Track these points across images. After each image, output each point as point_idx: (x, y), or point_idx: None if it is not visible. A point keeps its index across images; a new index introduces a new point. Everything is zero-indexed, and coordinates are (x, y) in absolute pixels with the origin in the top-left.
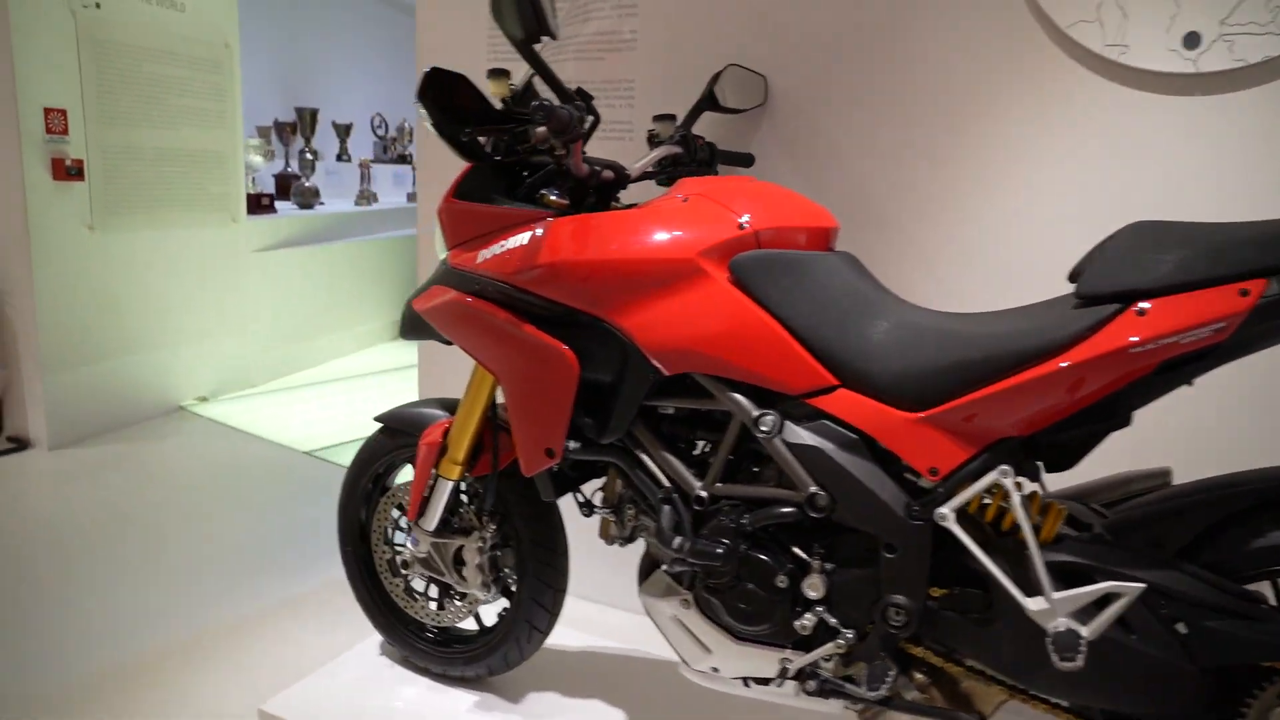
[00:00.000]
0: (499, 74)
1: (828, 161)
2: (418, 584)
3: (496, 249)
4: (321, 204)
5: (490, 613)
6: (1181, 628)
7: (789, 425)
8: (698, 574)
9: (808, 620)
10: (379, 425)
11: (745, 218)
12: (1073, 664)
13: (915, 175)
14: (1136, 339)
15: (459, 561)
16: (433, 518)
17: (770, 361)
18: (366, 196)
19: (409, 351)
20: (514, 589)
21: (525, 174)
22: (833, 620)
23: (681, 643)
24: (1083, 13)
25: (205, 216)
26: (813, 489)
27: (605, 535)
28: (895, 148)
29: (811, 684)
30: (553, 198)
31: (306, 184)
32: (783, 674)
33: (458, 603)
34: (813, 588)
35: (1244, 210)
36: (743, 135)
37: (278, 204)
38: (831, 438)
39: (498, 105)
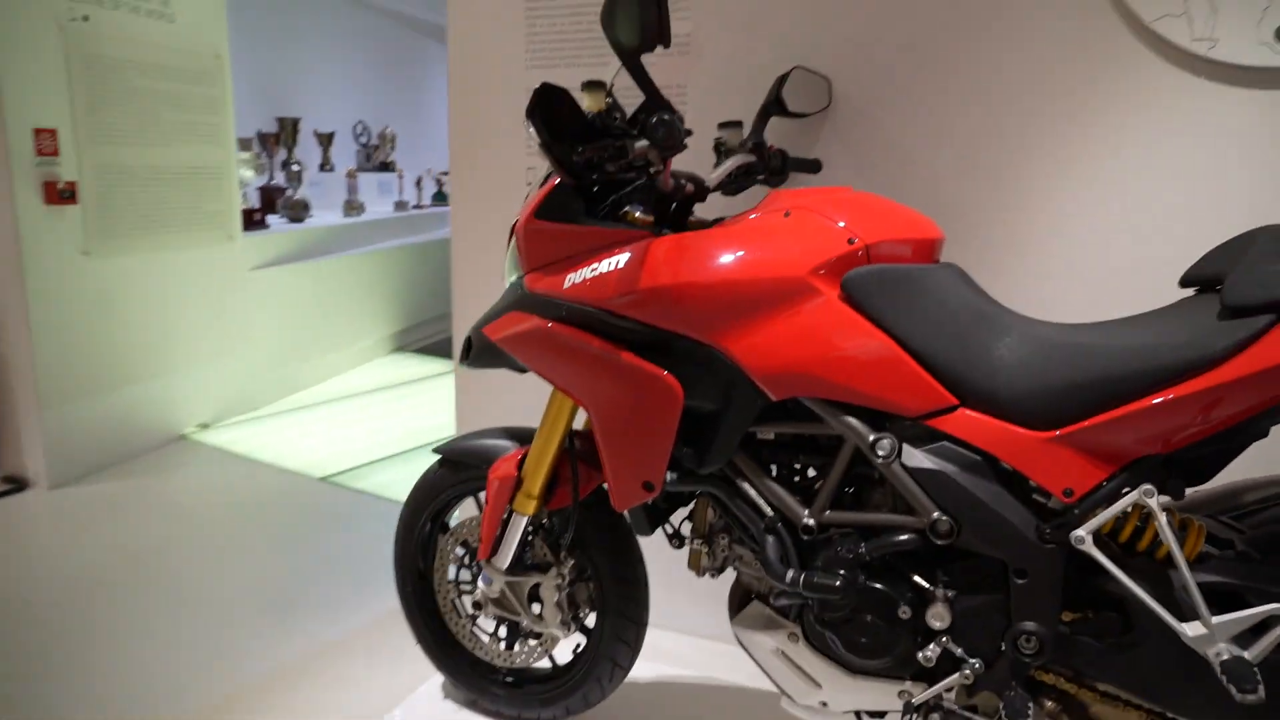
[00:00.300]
0: (596, 86)
1: (898, 167)
2: (487, 624)
3: (588, 272)
4: (311, 216)
5: (564, 650)
6: None
7: (906, 448)
8: (808, 606)
9: (931, 651)
10: (437, 458)
11: (854, 232)
12: (1254, 696)
13: (993, 180)
14: None
15: (534, 599)
16: (506, 555)
17: (886, 382)
18: (355, 207)
19: (409, 367)
20: (590, 625)
21: (596, 190)
22: (958, 650)
23: (785, 677)
24: (1169, 6)
25: (202, 235)
26: (935, 514)
27: (695, 566)
28: (969, 151)
29: (935, 716)
30: (638, 214)
31: (295, 196)
32: (907, 707)
33: (531, 642)
34: (937, 617)
35: None
36: (801, 140)
37: (267, 218)
38: (954, 460)
39: (588, 119)
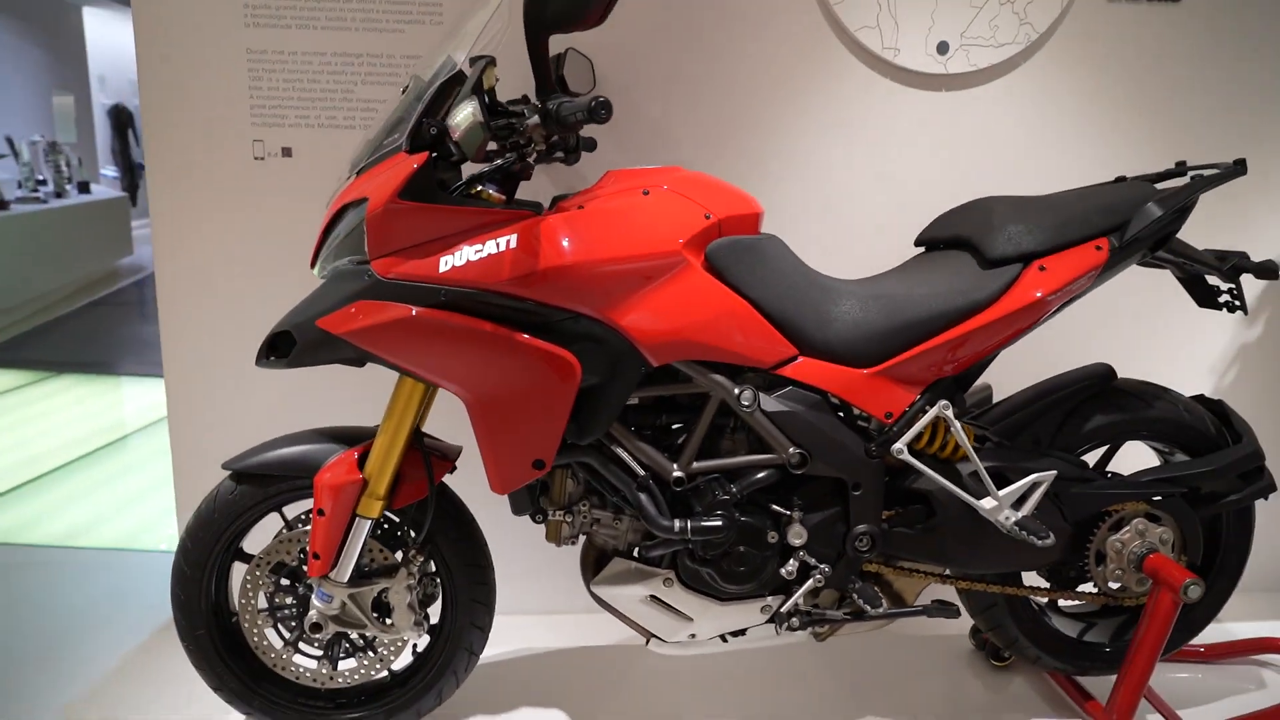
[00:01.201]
0: (491, 63)
1: (661, 147)
2: (309, 649)
3: (471, 254)
4: None
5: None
6: (1052, 498)
7: (762, 396)
8: (684, 550)
9: (792, 565)
10: (227, 476)
11: (708, 208)
12: (1047, 540)
13: (734, 160)
14: (1042, 292)
15: (379, 607)
16: (348, 565)
17: (747, 340)
18: None
19: None
20: (437, 619)
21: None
22: (812, 560)
23: (654, 620)
24: (866, 20)
25: None
26: (791, 449)
27: (555, 538)
28: (715, 134)
29: (794, 620)
30: (492, 193)
31: None
32: (771, 619)
33: (372, 654)
34: (797, 536)
35: (984, 183)
36: None
37: None
38: (801, 401)
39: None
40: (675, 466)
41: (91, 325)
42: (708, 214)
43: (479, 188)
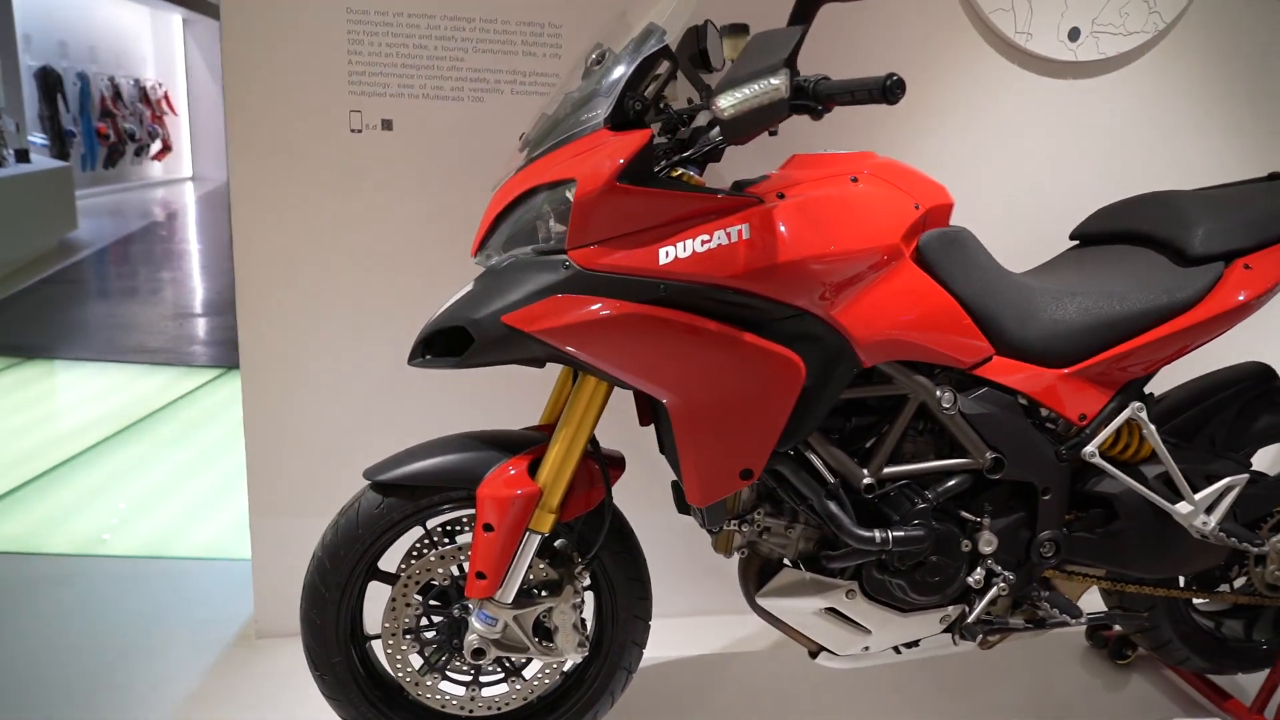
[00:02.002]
0: (740, 30)
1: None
2: (458, 675)
3: (696, 245)
4: None
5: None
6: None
7: (960, 397)
8: (871, 560)
9: (979, 574)
10: (370, 486)
11: (915, 198)
12: (1263, 547)
13: (867, 143)
14: (1248, 292)
15: (540, 629)
16: (513, 586)
17: (952, 339)
18: None
19: None
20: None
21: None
22: (997, 568)
23: (827, 634)
24: (1001, 2)
25: None
26: (989, 453)
27: (725, 548)
28: (846, 119)
29: (975, 629)
30: (695, 176)
31: None
32: (950, 627)
33: (523, 678)
34: (987, 543)
35: (1115, 175)
36: None
37: None
38: (996, 403)
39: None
40: (865, 473)
41: (44, 307)
42: (916, 204)
43: (681, 171)
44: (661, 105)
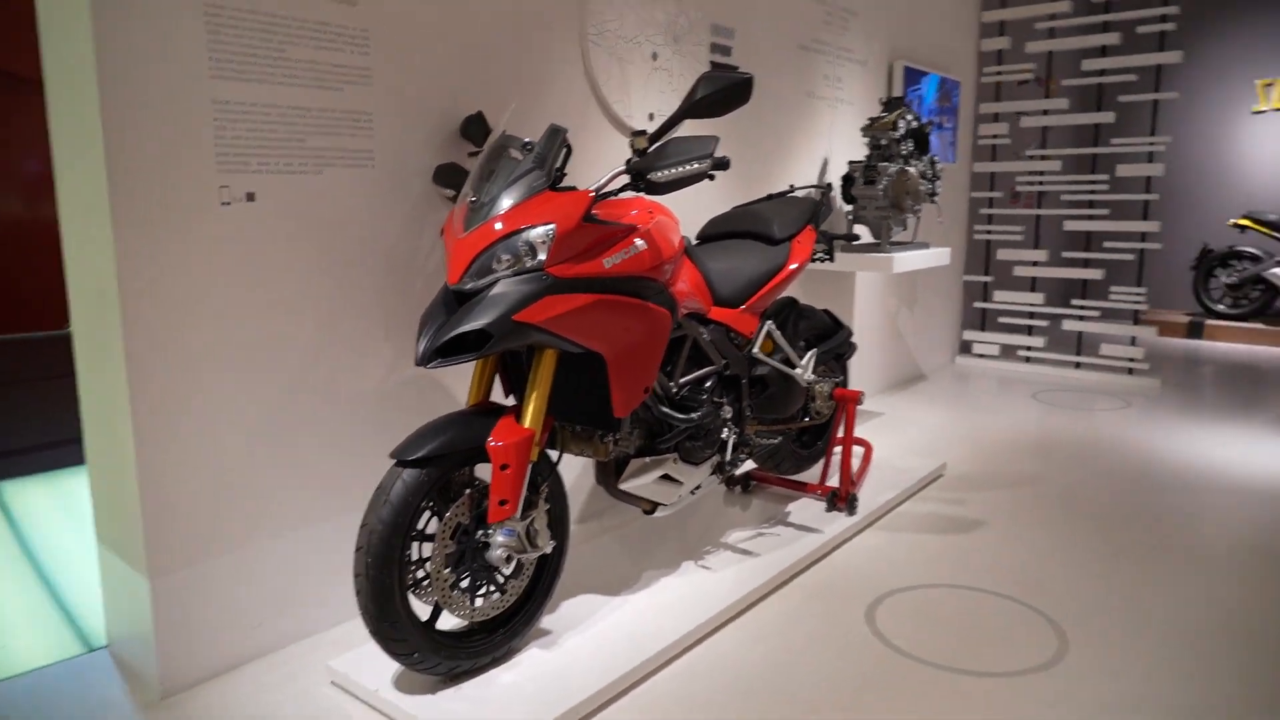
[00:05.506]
0: (641, 134)
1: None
2: (466, 585)
3: (622, 255)
4: None
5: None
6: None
7: (705, 331)
8: (685, 435)
9: (725, 432)
10: (397, 463)
11: (678, 226)
12: (840, 378)
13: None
14: (801, 259)
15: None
16: (520, 505)
17: (704, 298)
18: None
19: None
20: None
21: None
22: (732, 426)
23: (659, 492)
24: (617, 96)
25: None
26: (723, 360)
27: (604, 453)
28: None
29: (726, 470)
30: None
31: None
32: (717, 467)
33: (515, 578)
34: (726, 412)
35: (709, 198)
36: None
37: None
38: (719, 332)
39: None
40: (673, 384)
41: None
42: (681, 230)
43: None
44: (563, 174)
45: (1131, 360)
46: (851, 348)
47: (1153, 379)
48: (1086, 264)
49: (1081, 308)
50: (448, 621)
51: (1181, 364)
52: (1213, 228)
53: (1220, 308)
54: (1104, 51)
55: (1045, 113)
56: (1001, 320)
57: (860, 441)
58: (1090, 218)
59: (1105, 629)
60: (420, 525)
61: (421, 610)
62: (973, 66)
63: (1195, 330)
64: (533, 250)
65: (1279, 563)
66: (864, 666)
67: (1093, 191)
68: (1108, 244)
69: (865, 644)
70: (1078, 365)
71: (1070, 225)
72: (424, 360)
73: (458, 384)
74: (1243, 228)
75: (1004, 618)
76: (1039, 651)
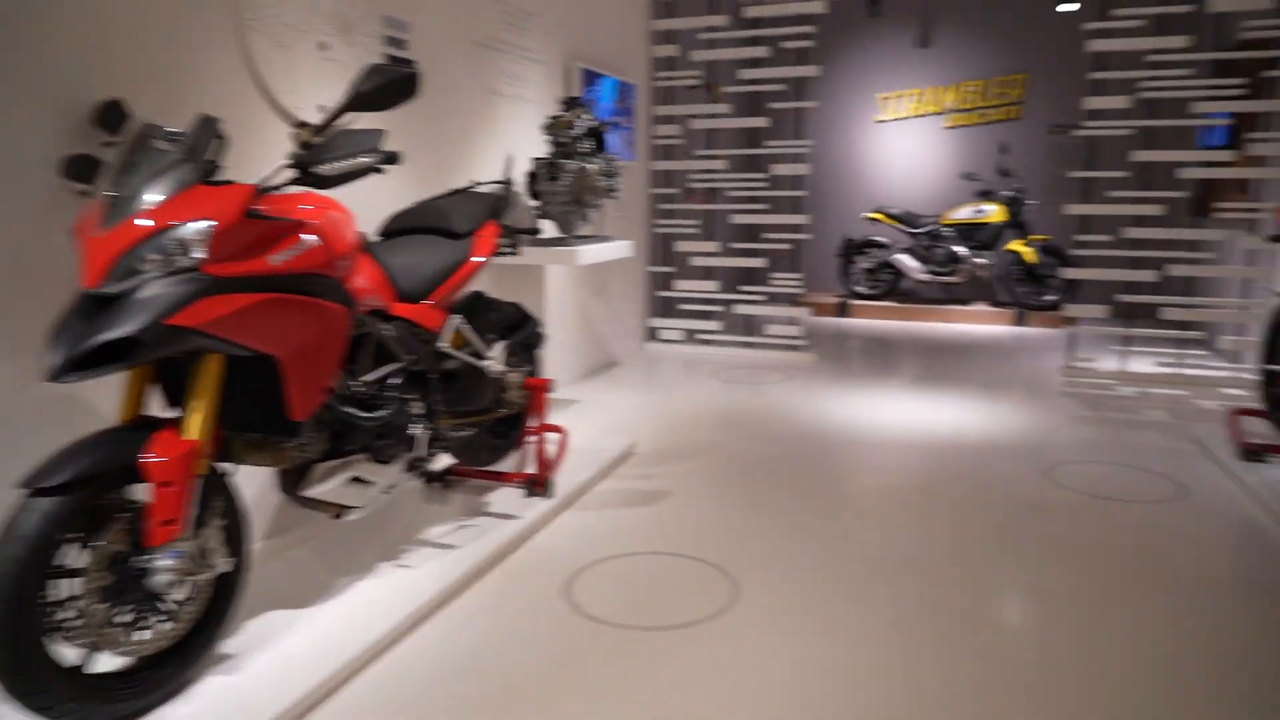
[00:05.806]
0: (304, 126)
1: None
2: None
3: (291, 251)
4: None
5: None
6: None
7: (387, 327)
8: (373, 434)
9: (416, 428)
10: (42, 491)
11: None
12: (527, 368)
13: None
14: (485, 252)
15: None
16: (191, 522)
17: (388, 295)
18: None
19: None
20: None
21: None
22: (423, 421)
23: (351, 495)
24: (284, 87)
25: None
26: (409, 357)
27: (288, 461)
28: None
29: (419, 467)
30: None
31: None
32: (409, 469)
33: (167, 614)
34: (419, 410)
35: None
36: None
37: None
38: (404, 328)
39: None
40: (356, 382)
41: None
42: (357, 226)
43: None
44: (218, 166)
45: (792, 338)
46: (540, 338)
47: (810, 354)
48: (753, 254)
49: (750, 293)
50: (110, 663)
51: (832, 340)
52: (853, 221)
53: (861, 289)
54: (756, 63)
55: (711, 116)
56: (683, 307)
57: (554, 428)
58: (753, 212)
59: (771, 574)
60: (65, 560)
61: (70, 656)
62: (645, 71)
63: (843, 310)
64: (185, 248)
65: (922, 502)
66: (560, 637)
67: (754, 188)
68: (769, 235)
69: (562, 617)
70: (749, 345)
71: (737, 219)
72: (57, 375)
73: (108, 402)
74: (875, 220)
75: (685, 575)
76: (713, 601)
